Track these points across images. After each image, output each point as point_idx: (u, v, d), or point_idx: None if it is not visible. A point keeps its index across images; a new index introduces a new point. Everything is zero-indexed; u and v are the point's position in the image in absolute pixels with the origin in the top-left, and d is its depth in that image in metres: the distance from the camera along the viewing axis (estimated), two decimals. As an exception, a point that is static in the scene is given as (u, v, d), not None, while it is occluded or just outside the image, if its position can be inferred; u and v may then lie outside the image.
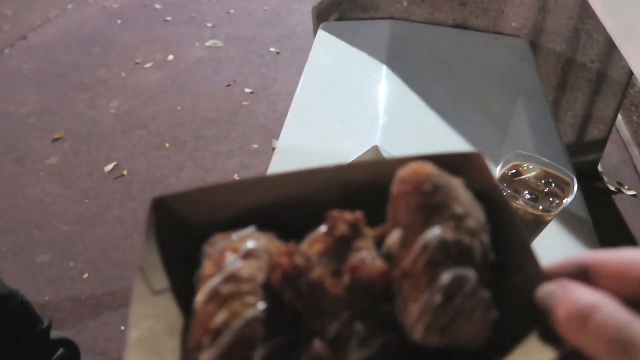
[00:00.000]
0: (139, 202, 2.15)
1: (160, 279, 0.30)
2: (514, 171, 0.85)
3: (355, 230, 0.30)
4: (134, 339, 0.27)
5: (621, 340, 0.20)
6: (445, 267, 0.26)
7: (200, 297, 0.28)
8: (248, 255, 0.30)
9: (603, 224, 1.00)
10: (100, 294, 1.75)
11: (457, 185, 0.30)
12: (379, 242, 0.30)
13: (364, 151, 0.98)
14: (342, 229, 0.29)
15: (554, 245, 0.96)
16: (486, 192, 0.31)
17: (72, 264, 1.86)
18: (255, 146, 2.44)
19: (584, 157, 1.93)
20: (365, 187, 0.33)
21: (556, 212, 0.77)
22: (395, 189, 0.29)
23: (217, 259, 0.30)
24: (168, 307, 0.30)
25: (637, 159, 2.08)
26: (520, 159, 0.86)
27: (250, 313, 0.27)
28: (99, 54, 3.22)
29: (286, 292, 0.27)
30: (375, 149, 1.00)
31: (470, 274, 0.26)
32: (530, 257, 0.28)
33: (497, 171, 0.83)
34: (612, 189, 1.96)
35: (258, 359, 0.26)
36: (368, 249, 0.29)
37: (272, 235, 0.32)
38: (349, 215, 0.30)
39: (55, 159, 2.38)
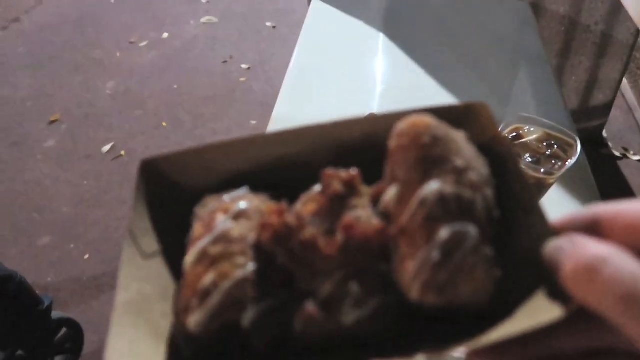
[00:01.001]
0: (138, 182, 2.13)
1: (151, 243, 0.29)
2: (514, 134, 0.82)
3: (350, 189, 0.28)
4: (122, 301, 0.26)
5: (632, 294, 0.18)
6: (444, 222, 0.24)
7: (189, 258, 0.27)
8: (239, 215, 0.28)
9: (608, 190, 0.97)
10: (101, 274, 1.75)
11: (458, 137, 0.27)
12: (375, 201, 0.28)
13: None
14: (337, 187, 0.27)
15: (558, 211, 0.93)
16: (491, 144, 0.29)
17: (72, 246, 1.85)
18: (254, 122, 2.41)
19: (588, 123, 1.89)
20: (361, 144, 0.31)
21: (558, 174, 0.75)
22: (392, 142, 0.27)
23: (206, 220, 0.28)
24: (159, 271, 0.29)
25: (643, 124, 2.04)
26: (521, 121, 0.83)
27: (239, 273, 0.26)
28: (92, 34, 3.16)
29: (277, 252, 0.26)
30: (372, 115, 0.97)
31: (471, 229, 0.24)
32: (537, 212, 0.26)
33: (497, 135, 0.80)
34: (617, 154, 1.92)
35: (248, 321, 0.25)
36: (363, 207, 0.27)
37: (265, 196, 0.30)
38: (344, 173, 0.28)
39: (52, 142, 2.36)
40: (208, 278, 0.26)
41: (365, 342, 0.25)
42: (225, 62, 2.83)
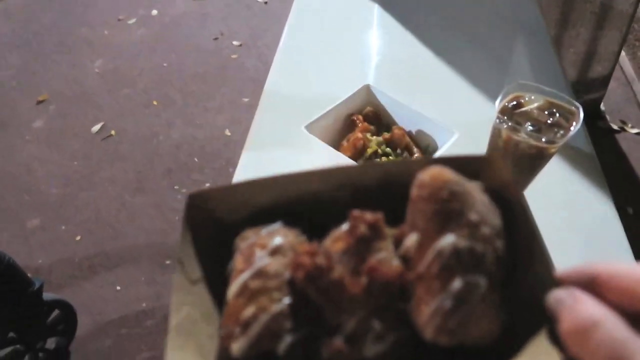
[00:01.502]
0: (128, 161, 2.09)
1: (196, 269, 0.33)
2: (514, 103, 0.79)
3: (374, 231, 0.31)
4: (174, 325, 0.30)
5: (618, 358, 0.21)
6: (457, 273, 0.27)
7: (232, 290, 0.31)
8: (275, 251, 0.32)
9: (606, 163, 0.95)
10: (93, 255, 1.72)
11: (473, 190, 0.30)
12: (397, 243, 0.31)
13: (355, 90, 0.92)
14: (362, 229, 0.30)
15: (559, 182, 0.91)
16: (504, 192, 0.31)
17: (63, 227, 1.82)
18: (246, 100, 2.36)
19: (586, 96, 1.86)
20: (384, 184, 0.34)
21: (561, 142, 0.72)
22: (414, 192, 0.30)
23: (246, 254, 0.32)
24: (203, 296, 0.33)
25: (641, 96, 2.01)
26: (521, 89, 0.80)
27: (276, 308, 0.30)
28: (79, 12, 3.08)
29: (308, 289, 0.29)
30: (367, 88, 0.93)
31: (482, 280, 0.27)
32: (543, 258, 0.28)
33: (497, 104, 0.77)
34: (615, 127, 1.90)
35: (283, 349, 0.29)
36: (386, 249, 0.31)
37: (296, 230, 0.34)
38: (369, 216, 0.31)
39: (40, 122, 2.31)
40: (249, 311, 0.30)
41: None
42: (216, 39, 2.76)
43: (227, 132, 2.19)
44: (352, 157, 0.84)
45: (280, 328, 0.29)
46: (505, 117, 0.76)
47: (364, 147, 0.85)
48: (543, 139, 0.72)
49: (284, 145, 0.94)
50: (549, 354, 0.25)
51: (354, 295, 0.29)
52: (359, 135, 0.85)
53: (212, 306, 0.33)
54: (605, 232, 0.83)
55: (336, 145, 0.87)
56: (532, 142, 0.73)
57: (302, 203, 0.35)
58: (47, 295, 1.33)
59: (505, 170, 0.32)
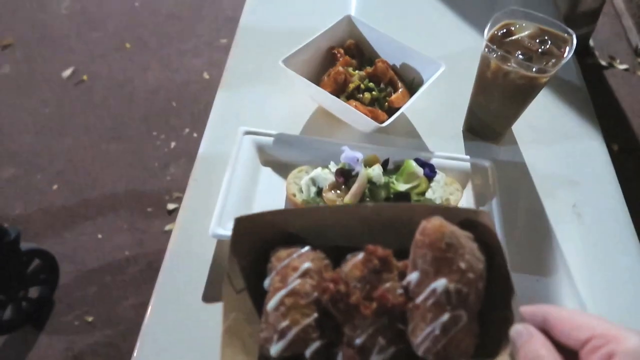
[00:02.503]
0: (103, 108, 2.01)
1: (240, 281, 0.42)
2: (504, 31, 0.74)
3: (384, 264, 0.40)
4: (225, 327, 0.39)
5: None
6: (446, 309, 0.37)
7: (271, 304, 0.41)
8: (304, 274, 0.41)
9: (595, 100, 0.92)
10: (72, 204, 1.68)
11: (465, 241, 0.39)
12: (401, 274, 0.40)
13: (335, 22, 0.86)
14: (375, 262, 0.40)
15: (549, 116, 0.88)
16: (489, 241, 0.40)
17: (39, 176, 1.77)
18: (224, 41, 2.25)
19: (575, 31, 1.80)
20: (394, 223, 0.43)
21: (552, 72, 0.68)
22: (418, 237, 0.39)
23: (282, 275, 0.42)
24: (245, 302, 0.42)
25: (631, 30, 1.96)
26: (511, 16, 0.75)
27: (306, 321, 0.40)
28: (40, -54, 2.85)
29: (332, 309, 0.40)
30: (348, 19, 0.87)
31: (464, 315, 0.37)
32: (513, 297, 0.37)
33: (485, 32, 0.72)
34: (604, 63, 1.86)
35: (309, 353, 0.40)
36: (393, 280, 0.40)
37: (321, 253, 0.44)
38: (381, 251, 0.40)
39: (7, 68, 2.19)
40: (284, 322, 0.40)
41: None
42: (189, -25, 2.60)
43: (205, 75, 2.10)
44: (333, 93, 0.80)
45: (308, 337, 0.40)
46: (495, 46, 0.71)
47: (346, 82, 0.81)
48: (534, 69, 0.68)
49: (262, 82, 0.89)
50: None
51: (365, 316, 0.39)
52: (340, 69, 0.80)
53: (253, 311, 0.43)
54: (594, 167, 0.81)
55: (316, 80, 0.82)
56: (523, 71, 0.69)
57: (328, 231, 0.45)
58: (24, 245, 1.30)
59: (491, 224, 0.41)
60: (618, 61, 1.90)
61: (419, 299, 0.38)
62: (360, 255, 0.41)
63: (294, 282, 0.41)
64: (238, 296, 0.42)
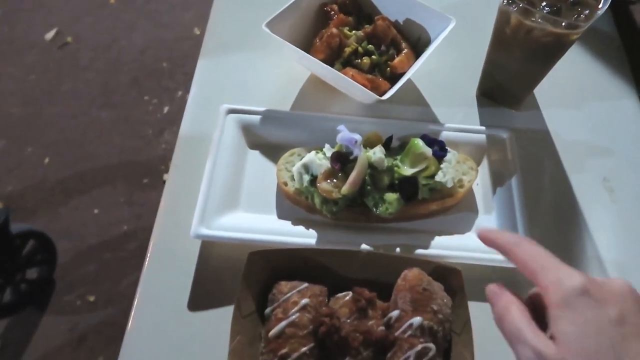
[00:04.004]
0: (91, 71, 1.90)
1: (248, 306, 0.51)
2: (526, -24, 0.62)
3: (370, 303, 0.50)
4: (231, 349, 0.48)
5: (516, 336, 0.33)
6: (419, 341, 0.47)
7: (273, 332, 0.49)
8: (303, 309, 0.49)
9: (621, 38, 0.80)
10: (66, 177, 1.61)
11: (438, 289, 0.51)
12: (384, 312, 0.51)
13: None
14: (362, 303, 0.50)
15: (575, 72, 0.77)
16: (457, 291, 0.52)
17: (29, 149, 1.69)
18: (214, -9, 2.09)
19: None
20: (383, 269, 0.53)
21: (585, 27, 0.57)
22: (400, 282, 0.51)
23: (284, 307, 0.50)
24: (250, 326, 0.51)
25: (660, -42, 1.76)
26: (535, -43, 0.63)
27: (303, 349, 0.48)
28: None
29: (326, 340, 0.48)
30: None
31: (433, 347, 0.47)
32: (470, 333, 0.49)
33: (504, -21, 0.61)
34: (630, -2, 1.69)
35: None
36: (376, 318, 0.50)
37: (318, 289, 0.52)
38: (367, 293, 0.50)
39: (-13, 32, 2.06)
40: (284, 349, 0.48)
41: None
42: None
43: (196, 31, 1.96)
44: (327, 59, 0.69)
45: None
46: (515, -3, 0.60)
47: (341, 46, 0.70)
48: (563, 24, 0.57)
49: (247, 48, 0.78)
50: None
51: (354, 347, 0.48)
52: (334, 30, 0.69)
53: (256, 335, 0.51)
54: (627, 132, 0.71)
55: (308, 44, 0.72)
56: (549, 27, 0.58)
57: (324, 269, 0.54)
58: (15, 227, 1.25)
59: (460, 279, 0.52)
60: (646, -6, 1.72)
61: (398, 332, 0.48)
62: (350, 296, 0.51)
63: (294, 315, 0.49)
64: (243, 321, 0.49)
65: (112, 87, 1.84)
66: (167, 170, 1.58)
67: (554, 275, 0.33)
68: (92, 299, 1.36)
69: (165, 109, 1.76)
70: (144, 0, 2.10)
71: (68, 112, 1.78)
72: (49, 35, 2.01)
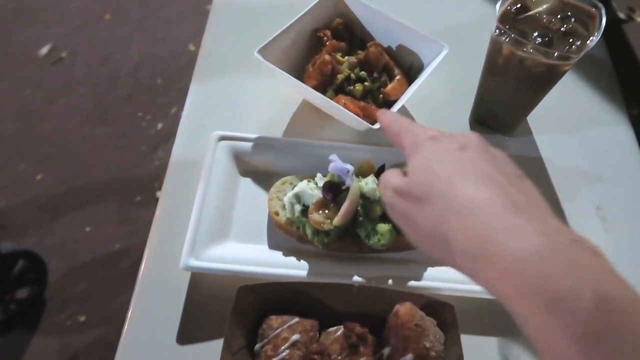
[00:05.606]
0: (86, 86, 1.89)
1: (238, 342, 0.50)
2: (518, 5, 0.62)
3: (361, 339, 0.50)
4: None
5: (382, 186, 0.39)
6: None
7: None
8: (293, 345, 0.49)
9: (611, 58, 0.80)
10: (59, 194, 1.60)
11: (430, 325, 0.50)
12: (375, 351, 0.50)
13: (320, -2, 0.74)
14: (354, 339, 0.49)
15: (568, 98, 0.77)
16: (450, 325, 0.51)
17: (22, 165, 1.68)
18: (209, 6, 2.10)
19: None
20: (374, 304, 0.52)
21: (576, 58, 0.57)
22: (392, 317, 0.50)
23: (274, 344, 0.49)
24: None
25: (651, -23, 1.78)
26: (527, -14, 0.63)
27: None
28: None
29: None
30: (335, -7, 0.75)
31: None
32: None
33: (497, 7, 0.61)
34: (622, 16, 1.70)
35: None
36: (368, 354, 0.49)
37: (309, 324, 0.51)
38: (359, 329, 0.50)
39: (-19, 47, 2.06)
40: None
41: None
42: None
43: (191, 47, 1.96)
44: (320, 85, 0.69)
45: None
46: (507, 27, 0.60)
47: (333, 73, 0.70)
48: (555, 54, 0.57)
49: (240, 72, 0.78)
50: None
51: None
52: (327, 57, 0.69)
53: None
54: (619, 159, 0.71)
55: (300, 69, 0.71)
56: (541, 58, 0.58)
57: (315, 302, 0.53)
58: (5, 247, 1.23)
59: (453, 314, 0.51)
60: (638, 13, 1.74)
61: None
62: (341, 331, 0.50)
63: (284, 352, 0.48)
64: (232, 358, 0.48)
65: (106, 103, 1.83)
66: (160, 188, 1.56)
67: (412, 133, 0.38)
68: (82, 318, 1.34)
69: (159, 126, 1.76)
70: (140, 14, 2.10)
71: (62, 128, 1.77)
72: (44, 50, 2.00)
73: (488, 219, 0.29)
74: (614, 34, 1.63)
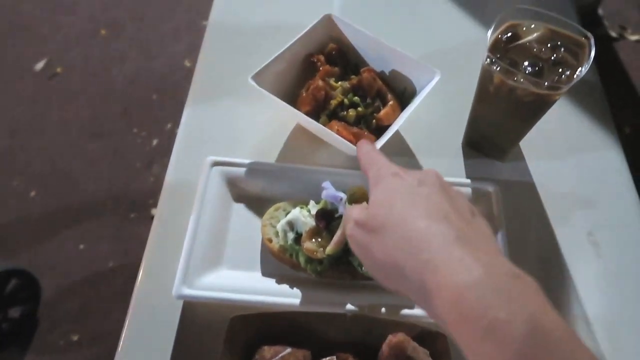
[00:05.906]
0: (79, 102, 1.89)
1: None
2: (509, 34, 0.63)
3: None
4: None
5: (345, 221, 0.43)
6: None
7: None
8: None
9: (603, 76, 0.81)
10: (52, 211, 1.59)
11: (423, 355, 0.50)
12: None
13: (314, 23, 0.75)
14: None
15: (558, 123, 0.77)
16: (442, 356, 0.51)
17: (15, 182, 1.67)
18: (206, 22, 2.11)
19: (582, 0, 1.66)
20: (367, 333, 0.53)
21: (566, 88, 0.58)
22: (384, 348, 0.50)
23: None
24: None
25: (642, -5, 1.81)
26: (518, 16, 0.64)
27: None
28: None
29: None
30: (328, 18, 0.76)
31: None
32: None
33: (489, 35, 0.62)
34: (614, 35, 1.72)
35: None
36: None
37: (303, 352, 0.51)
38: (351, 359, 0.50)
39: (-24, 62, 2.06)
40: None
41: None
42: (166, -51, 2.42)
43: (187, 63, 1.97)
44: (312, 111, 0.69)
45: None
46: (498, 56, 0.61)
47: (327, 98, 0.70)
48: (545, 84, 0.58)
49: (234, 96, 0.78)
50: None
51: None
52: (320, 83, 0.70)
53: None
54: (611, 184, 0.72)
55: (294, 94, 0.72)
56: (531, 88, 0.58)
57: (308, 332, 0.53)
58: (-3, 267, 1.22)
59: (445, 345, 0.51)
60: (629, 31, 1.76)
61: None
62: None
63: None
64: None
65: (101, 118, 1.83)
66: (155, 205, 1.56)
67: (378, 167, 0.41)
68: (75, 338, 1.33)
69: (154, 142, 1.76)
70: (135, 30, 2.11)
71: (56, 143, 1.77)
72: (39, 65, 2.00)
73: (437, 250, 0.32)
74: (606, 53, 1.65)
